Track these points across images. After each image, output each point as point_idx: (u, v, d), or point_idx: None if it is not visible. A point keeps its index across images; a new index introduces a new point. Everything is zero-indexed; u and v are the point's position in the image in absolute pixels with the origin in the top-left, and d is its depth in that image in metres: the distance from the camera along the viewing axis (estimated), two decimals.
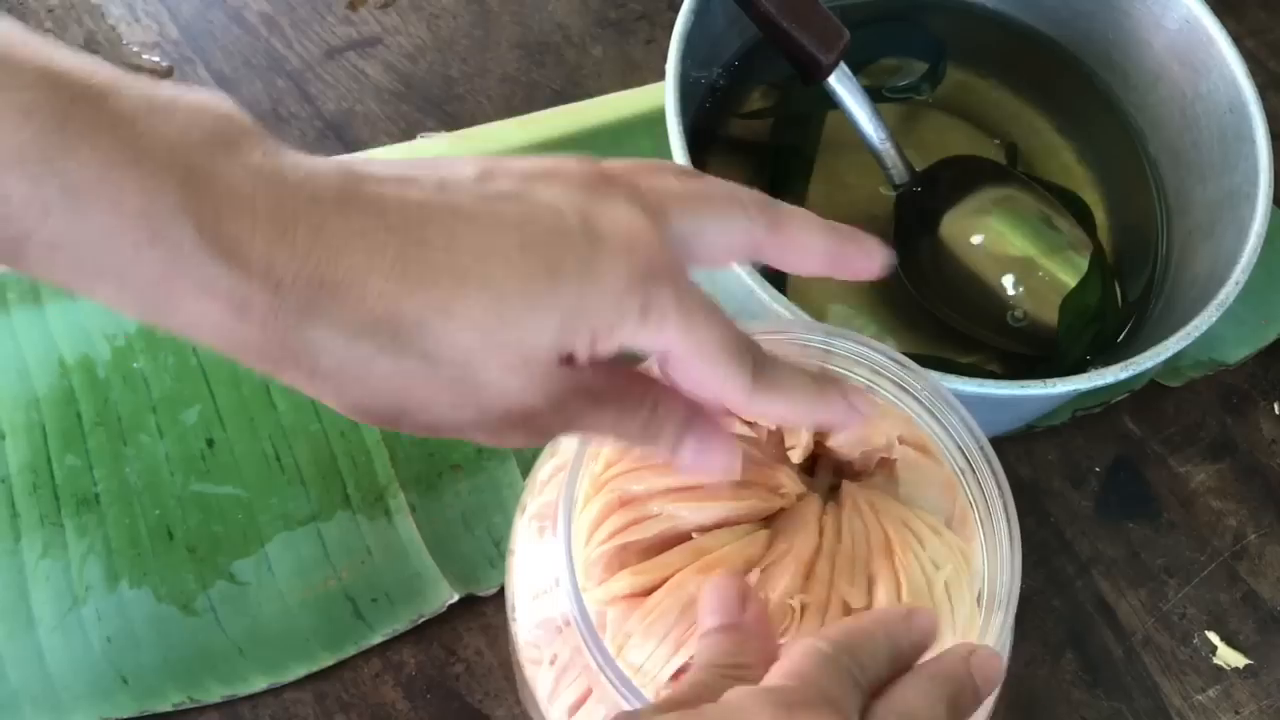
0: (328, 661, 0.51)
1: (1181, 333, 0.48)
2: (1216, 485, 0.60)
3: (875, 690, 0.29)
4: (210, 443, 0.55)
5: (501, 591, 0.41)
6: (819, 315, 0.54)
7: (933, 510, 0.39)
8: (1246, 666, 0.56)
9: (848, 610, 0.36)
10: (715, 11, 0.56)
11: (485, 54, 0.69)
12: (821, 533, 0.37)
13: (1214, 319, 0.49)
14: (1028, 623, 0.56)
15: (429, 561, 0.53)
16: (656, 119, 0.52)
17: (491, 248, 0.28)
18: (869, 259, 0.35)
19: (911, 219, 0.58)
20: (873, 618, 0.32)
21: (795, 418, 0.35)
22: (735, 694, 0.28)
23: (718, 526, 0.37)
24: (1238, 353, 0.63)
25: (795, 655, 0.29)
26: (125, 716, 0.49)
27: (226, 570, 0.53)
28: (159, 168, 0.25)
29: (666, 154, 0.50)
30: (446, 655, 0.53)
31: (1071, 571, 0.57)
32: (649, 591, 0.36)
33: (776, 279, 0.56)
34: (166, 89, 0.27)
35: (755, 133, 0.61)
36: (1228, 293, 0.49)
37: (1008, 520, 0.36)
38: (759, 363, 0.32)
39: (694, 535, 0.37)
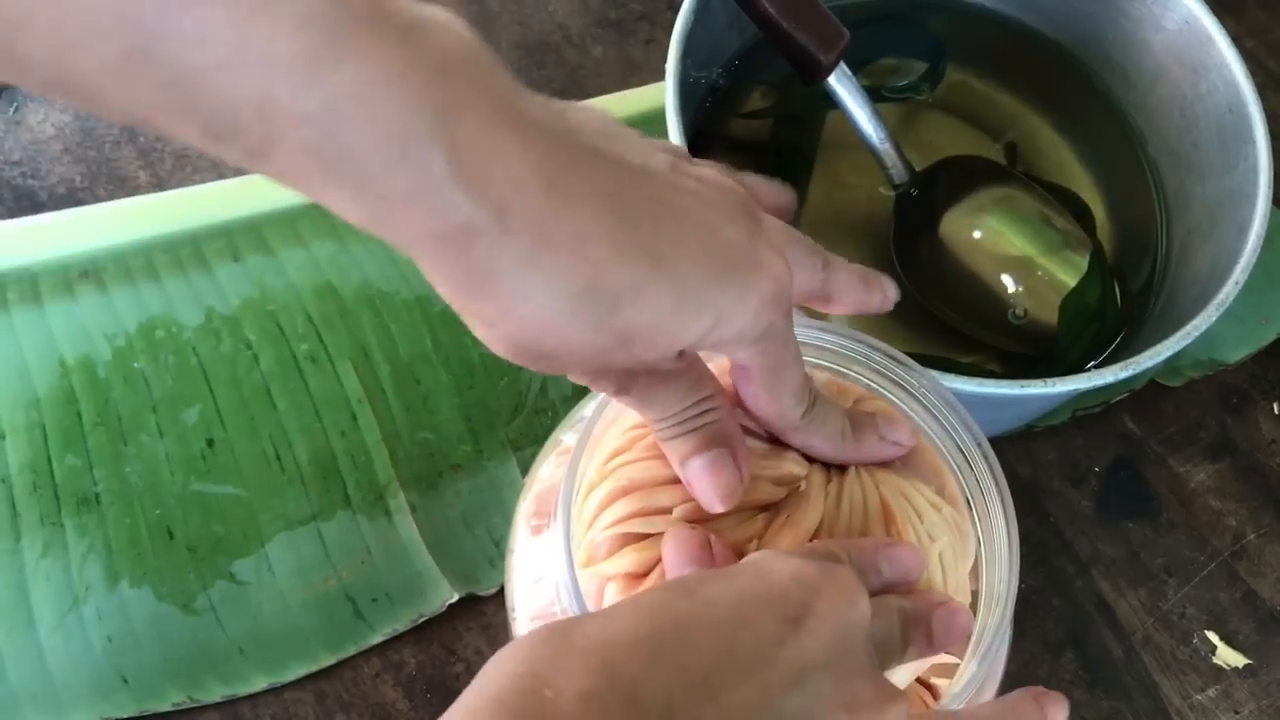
0: (328, 661, 0.51)
1: (1181, 333, 0.48)
2: (1216, 485, 0.60)
3: None
4: (210, 442, 0.55)
5: (501, 591, 0.41)
6: (819, 315, 0.54)
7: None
8: (1246, 666, 0.56)
9: None
10: (715, 11, 0.56)
11: None
12: (824, 503, 0.38)
13: (1214, 319, 0.49)
14: (1027, 622, 0.56)
15: (429, 561, 0.53)
16: (656, 119, 0.52)
17: (685, 240, 0.30)
18: (886, 300, 0.40)
19: (911, 219, 0.58)
20: (846, 545, 0.35)
21: (828, 455, 0.38)
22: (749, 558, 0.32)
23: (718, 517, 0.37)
24: (1238, 352, 0.63)
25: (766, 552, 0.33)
26: (125, 716, 0.49)
27: (227, 570, 0.53)
28: (417, 91, 0.26)
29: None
30: (446, 655, 0.53)
31: (1071, 571, 0.57)
32: (650, 568, 0.36)
33: None
34: (425, 9, 0.27)
35: (755, 133, 0.61)
36: (1227, 293, 0.49)
37: (1006, 520, 0.36)
38: (812, 404, 0.36)
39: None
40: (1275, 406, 0.63)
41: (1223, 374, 0.63)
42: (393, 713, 0.51)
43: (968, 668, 0.35)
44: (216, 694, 0.50)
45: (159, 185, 0.63)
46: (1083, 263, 0.57)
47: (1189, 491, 0.60)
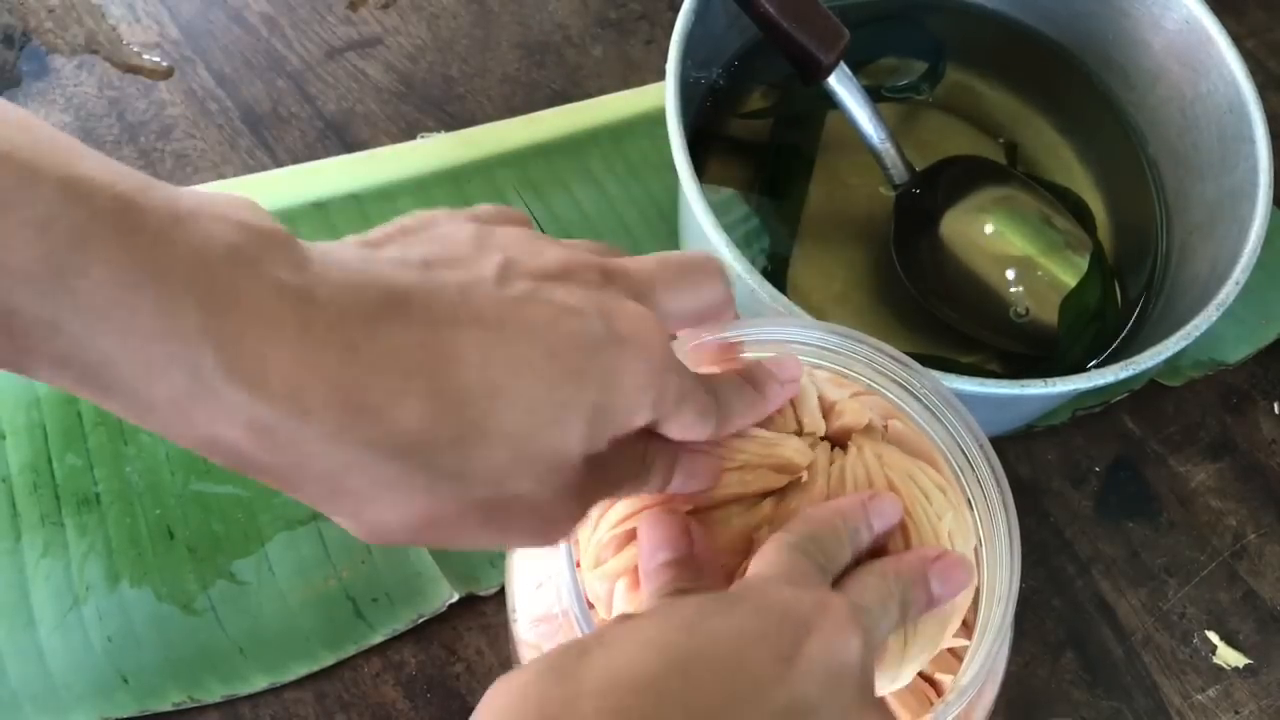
0: (328, 661, 0.51)
1: (1181, 333, 0.48)
2: (1216, 485, 0.60)
3: (838, 576, 0.33)
4: None
5: (501, 591, 0.41)
6: (819, 315, 0.54)
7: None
8: (1246, 666, 0.56)
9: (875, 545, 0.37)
10: (715, 11, 0.56)
11: (485, 54, 0.69)
12: (828, 481, 0.38)
13: (1214, 319, 0.49)
14: (1027, 622, 0.56)
15: (429, 561, 0.53)
16: (656, 119, 0.52)
17: (521, 359, 0.28)
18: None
19: (911, 219, 0.58)
20: (831, 508, 0.34)
21: (753, 423, 0.37)
22: (743, 581, 0.31)
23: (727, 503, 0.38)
24: (1238, 352, 0.63)
25: (768, 553, 0.32)
26: (125, 716, 0.49)
27: (227, 570, 0.53)
28: (178, 287, 0.24)
29: (666, 154, 0.50)
30: (446, 655, 0.53)
31: (1071, 571, 0.57)
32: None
33: (777, 279, 0.56)
34: (189, 198, 0.25)
35: (755, 133, 0.61)
36: (1228, 293, 0.49)
37: (1007, 519, 0.36)
38: (718, 403, 0.34)
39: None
40: (1275, 406, 0.63)
41: (1223, 374, 0.63)
42: (393, 713, 0.51)
43: (970, 667, 0.35)
44: (216, 694, 0.50)
45: None
46: (1083, 263, 0.57)
47: (1189, 491, 0.60)
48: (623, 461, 0.32)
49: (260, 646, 0.51)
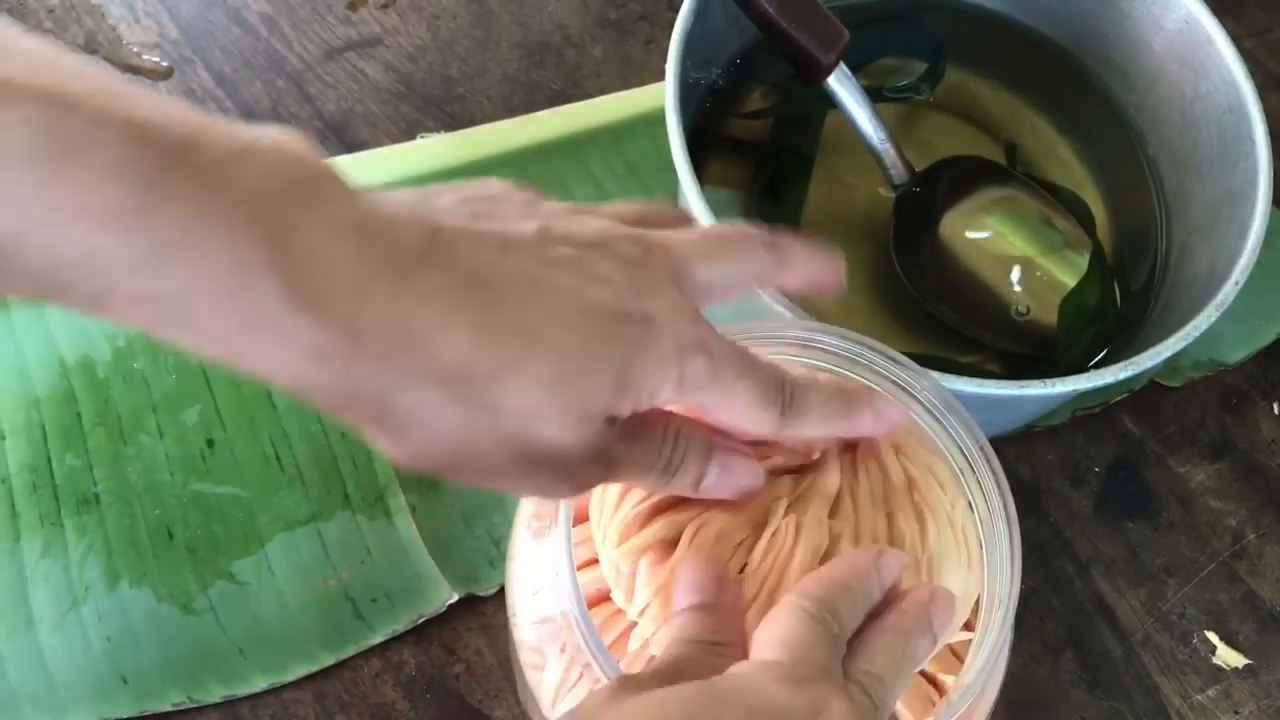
0: (328, 661, 0.51)
1: (1181, 333, 0.48)
2: (1216, 485, 0.60)
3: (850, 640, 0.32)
4: (210, 443, 0.55)
5: (501, 591, 0.41)
6: (819, 315, 0.54)
7: None
8: (1246, 666, 0.56)
9: (891, 536, 0.37)
10: (715, 11, 0.56)
11: (485, 54, 0.69)
12: (841, 471, 0.38)
13: (1214, 319, 0.49)
14: (1027, 623, 0.56)
15: (429, 561, 0.53)
16: (656, 119, 0.52)
17: (555, 311, 0.29)
18: (839, 278, 0.38)
19: (911, 219, 0.58)
20: (845, 569, 0.34)
21: (826, 437, 0.37)
22: (741, 667, 0.30)
23: None
24: (1237, 353, 0.63)
25: (782, 619, 0.32)
26: (125, 716, 0.49)
27: (226, 570, 0.53)
28: (243, 222, 0.25)
29: (666, 154, 0.50)
30: (446, 655, 0.53)
31: (1071, 571, 0.57)
32: (680, 533, 0.36)
33: None
34: (243, 133, 0.27)
35: (755, 133, 0.61)
36: (1227, 293, 0.49)
37: (1007, 520, 0.36)
38: (789, 397, 0.34)
39: None
40: (1275, 406, 0.63)
41: (1223, 374, 0.63)
42: (393, 713, 0.51)
43: (971, 668, 0.35)
44: (216, 694, 0.50)
45: None
46: (1082, 263, 0.57)
47: (1189, 491, 0.60)
48: (652, 443, 0.33)
49: (260, 647, 0.51)
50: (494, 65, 0.68)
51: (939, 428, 0.38)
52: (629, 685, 0.29)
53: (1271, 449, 0.61)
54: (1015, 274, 0.57)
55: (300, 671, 0.51)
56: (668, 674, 0.30)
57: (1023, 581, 0.36)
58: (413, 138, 0.65)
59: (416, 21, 0.69)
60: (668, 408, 0.34)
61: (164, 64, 0.66)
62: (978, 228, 0.58)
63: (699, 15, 0.54)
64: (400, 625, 0.52)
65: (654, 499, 0.36)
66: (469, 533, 0.55)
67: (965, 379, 0.46)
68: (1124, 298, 0.58)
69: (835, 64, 0.54)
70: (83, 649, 0.50)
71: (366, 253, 0.27)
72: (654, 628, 0.35)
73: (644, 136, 0.65)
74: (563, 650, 0.36)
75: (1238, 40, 0.56)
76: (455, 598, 0.52)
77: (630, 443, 0.32)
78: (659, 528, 0.36)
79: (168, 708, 0.50)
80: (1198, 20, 0.56)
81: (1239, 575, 0.58)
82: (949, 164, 0.59)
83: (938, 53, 0.63)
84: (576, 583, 0.34)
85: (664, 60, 0.52)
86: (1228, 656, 0.56)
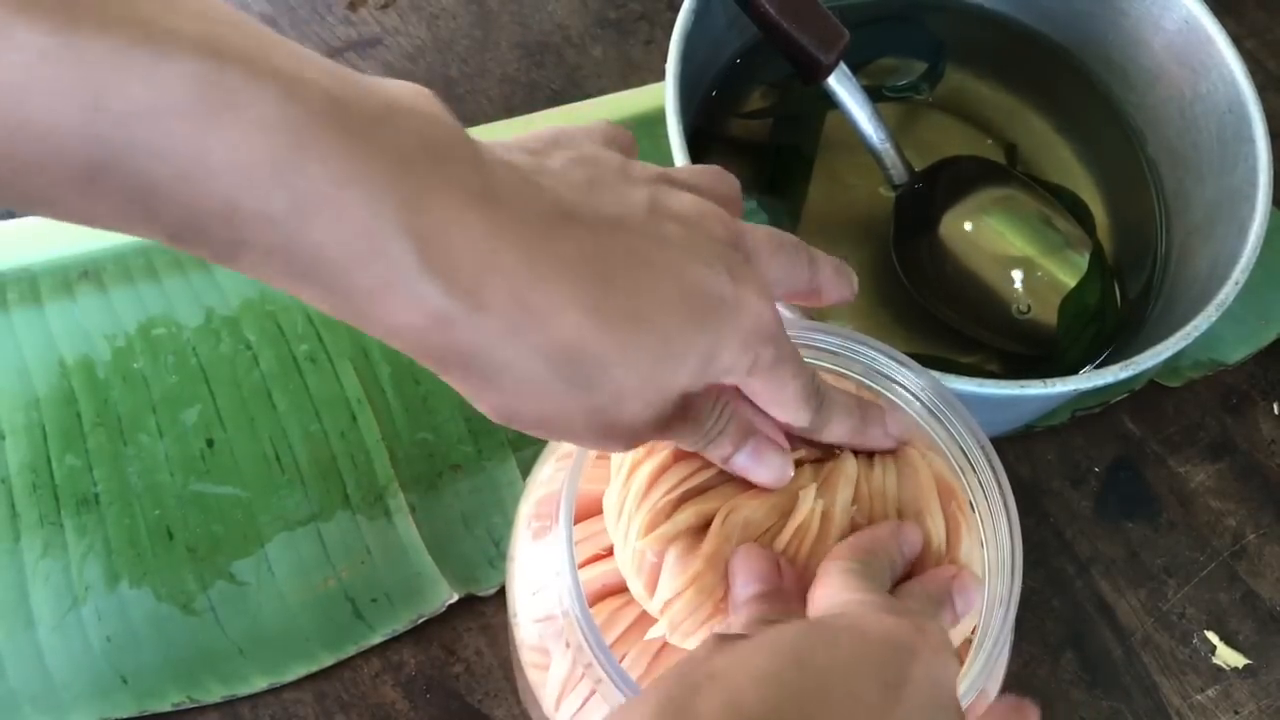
0: (328, 661, 0.51)
1: (1181, 333, 0.48)
2: (1216, 485, 0.60)
3: None
4: (210, 443, 0.55)
5: (501, 591, 0.41)
6: (819, 315, 0.54)
7: None
8: (1246, 666, 0.56)
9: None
10: (715, 11, 0.56)
11: (485, 54, 0.69)
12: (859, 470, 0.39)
13: (1213, 319, 0.49)
14: (1027, 623, 0.56)
15: (429, 561, 0.53)
16: (656, 119, 0.52)
17: (663, 295, 0.31)
18: (853, 288, 0.40)
19: (911, 219, 0.58)
20: (870, 538, 0.36)
21: (842, 442, 0.38)
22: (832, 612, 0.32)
23: None
24: (1237, 353, 0.63)
25: (834, 581, 0.33)
26: (125, 716, 0.49)
27: (226, 570, 0.53)
28: (382, 185, 0.26)
29: (666, 154, 0.50)
30: (446, 655, 0.53)
31: (1071, 571, 0.58)
32: (709, 522, 0.36)
33: None
34: (383, 90, 0.27)
35: (755, 133, 0.61)
36: (1227, 293, 0.49)
37: (1008, 520, 0.36)
38: (821, 399, 0.36)
39: None
40: (1275, 406, 0.63)
41: (1223, 374, 0.63)
42: (392, 713, 0.51)
43: (971, 669, 0.35)
44: (216, 694, 0.50)
45: None
46: (1082, 263, 0.57)
47: (1189, 492, 0.60)
48: (702, 410, 0.34)
49: (260, 647, 0.51)
50: (494, 65, 0.68)
51: (939, 427, 0.38)
52: (728, 638, 0.30)
53: (1271, 449, 0.61)
54: (1015, 274, 0.57)
55: (300, 671, 0.51)
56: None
57: (1023, 581, 0.36)
58: None
59: (416, 21, 0.69)
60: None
61: None
62: (978, 228, 0.58)
63: (699, 15, 0.54)
64: (400, 625, 0.52)
65: (682, 487, 0.36)
66: (469, 533, 0.55)
67: (965, 379, 0.46)
68: (1124, 298, 0.58)
69: (835, 64, 0.54)
70: (83, 649, 0.50)
71: (495, 221, 0.28)
72: (683, 618, 0.35)
73: (644, 137, 0.64)
74: (567, 647, 0.36)
75: (1238, 40, 0.56)
76: (455, 598, 0.52)
77: (686, 408, 0.33)
78: (688, 515, 0.36)
79: (168, 708, 0.50)
80: (1198, 20, 0.56)
81: (1239, 575, 0.58)
82: (949, 164, 0.59)
83: (938, 53, 0.63)
84: (578, 581, 0.34)
85: (664, 60, 0.52)
86: (1228, 656, 0.56)
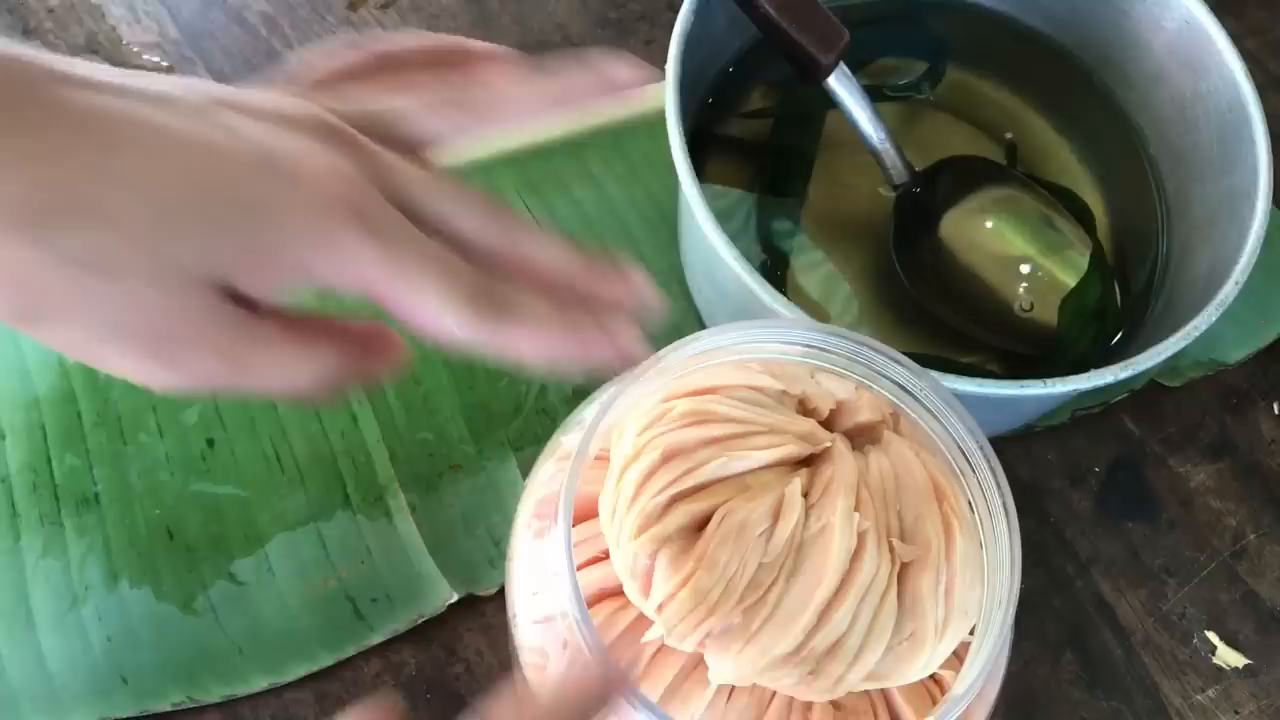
0: (328, 661, 0.51)
1: (1181, 333, 0.48)
2: (1216, 485, 0.60)
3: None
4: (210, 442, 0.55)
5: (501, 591, 0.41)
6: (818, 316, 0.54)
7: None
8: (1246, 666, 0.56)
9: (903, 533, 0.37)
10: (715, 11, 0.56)
11: None
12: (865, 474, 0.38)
13: (1214, 319, 0.49)
14: (1027, 623, 0.56)
15: (429, 561, 0.53)
16: (656, 119, 0.52)
17: (175, 159, 0.27)
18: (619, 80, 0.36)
19: (911, 219, 0.58)
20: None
21: (538, 350, 0.32)
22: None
23: (755, 470, 0.38)
24: (1237, 352, 0.63)
25: None
26: (125, 716, 0.49)
27: (226, 570, 0.53)
28: None
29: (666, 154, 0.50)
30: (446, 655, 0.53)
31: (1071, 571, 0.58)
32: (702, 523, 0.36)
33: (777, 279, 0.56)
34: None
35: (755, 133, 0.61)
36: (1227, 293, 0.49)
37: (1007, 520, 0.36)
38: (488, 294, 0.31)
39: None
40: (1275, 406, 0.63)
41: (1223, 374, 0.63)
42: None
43: (970, 669, 0.35)
44: (216, 694, 0.50)
45: None
46: (1083, 263, 0.57)
47: (1189, 491, 0.60)
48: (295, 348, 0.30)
49: (260, 647, 0.51)
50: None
51: (939, 428, 0.38)
52: None
53: (1271, 449, 0.61)
54: (1015, 274, 0.57)
55: (300, 671, 0.51)
56: None
57: (1023, 581, 0.36)
58: None
59: (416, 21, 0.69)
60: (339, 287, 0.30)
61: (164, 64, 0.66)
62: (978, 228, 0.58)
63: (699, 15, 0.54)
64: (400, 625, 0.52)
65: (672, 489, 0.36)
66: (469, 533, 0.55)
67: (965, 379, 0.46)
68: (1124, 298, 0.58)
69: (835, 64, 0.54)
70: (82, 649, 0.50)
71: None
72: (677, 620, 0.35)
73: (644, 136, 0.65)
74: (564, 648, 0.36)
75: (1238, 40, 0.56)
76: (455, 598, 0.52)
77: (272, 345, 0.29)
78: (679, 516, 0.36)
79: (168, 708, 0.50)
80: (1198, 20, 0.56)
81: (1239, 575, 0.58)
82: (949, 164, 0.59)
83: (938, 53, 0.63)
84: (576, 582, 0.34)
85: (664, 60, 0.52)
86: (1228, 656, 0.56)
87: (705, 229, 0.48)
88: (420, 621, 0.52)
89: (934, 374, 0.40)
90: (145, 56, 0.66)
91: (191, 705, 0.50)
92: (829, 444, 0.39)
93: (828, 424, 0.41)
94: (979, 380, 0.47)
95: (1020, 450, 0.60)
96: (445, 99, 0.34)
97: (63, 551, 0.52)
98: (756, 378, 0.40)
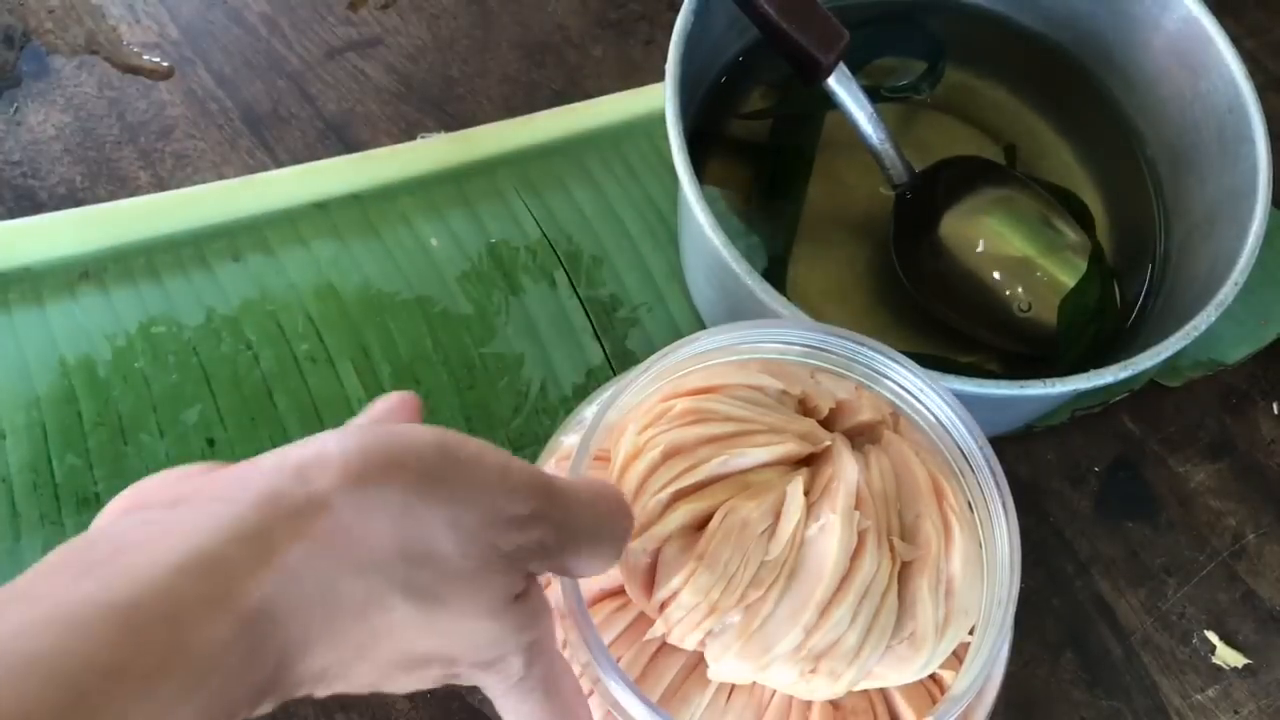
0: None
1: (1181, 333, 0.48)
2: (1215, 485, 0.60)
3: None
4: (211, 442, 0.55)
5: None
6: (818, 315, 0.54)
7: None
8: (1245, 666, 0.56)
9: (903, 532, 0.38)
10: (715, 11, 0.56)
11: (485, 54, 0.69)
12: (866, 471, 0.38)
13: (1213, 319, 0.49)
14: (1027, 622, 0.56)
15: None
16: (656, 119, 0.52)
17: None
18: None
19: (911, 219, 0.58)
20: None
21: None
22: None
23: (755, 468, 0.38)
24: (1237, 352, 0.63)
25: None
26: None
27: None
28: None
29: (666, 155, 0.50)
30: None
31: (1071, 571, 0.58)
32: (703, 522, 0.36)
33: (776, 279, 0.56)
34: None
35: (755, 133, 0.61)
36: (1226, 293, 0.49)
37: (1007, 519, 0.36)
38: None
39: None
40: (1275, 406, 0.63)
41: (1223, 374, 0.63)
42: (392, 713, 0.51)
43: (971, 668, 0.35)
44: None
45: (160, 185, 0.63)
46: (1082, 264, 0.57)
47: (1188, 491, 0.60)
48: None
49: None
50: (494, 65, 0.68)
51: (938, 427, 0.38)
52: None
53: (1271, 449, 0.62)
54: (1015, 274, 0.57)
55: None
56: None
57: (1022, 581, 0.36)
58: (413, 138, 0.65)
59: (417, 22, 0.69)
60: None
61: (164, 64, 0.66)
62: (977, 227, 0.58)
63: (699, 15, 0.54)
64: None
65: (673, 486, 0.36)
66: None
67: (965, 379, 0.46)
68: (1124, 297, 0.58)
69: (835, 64, 0.54)
70: None
71: None
72: (679, 618, 0.35)
73: (643, 137, 0.65)
74: (564, 646, 0.36)
75: (1238, 40, 0.56)
76: None
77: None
78: (680, 515, 0.36)
79: None
80: (1198, 20, 0.56)
81: (1239, 575, 0.58)
82: (949, 164, 0.59)
83: (938, 53, 0.63)
84: (576, 581, 0.34)
85: (664, 60, 0.52)
86: (1227, 656, 0.56)
87: (705, 229, 0.48)
88: None
89: (934, 373, 0.40)
90: (145, 56, 0.66)
91: None
92: (829, 443, 0.39)
93: (827, 424, 0.41)
94: (979, 380, 0.47)
95: (1020, 450, 0.60)
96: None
97: None
98: (756, 377, 0.40)
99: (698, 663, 0.37)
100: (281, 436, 0.55)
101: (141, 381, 0.56)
